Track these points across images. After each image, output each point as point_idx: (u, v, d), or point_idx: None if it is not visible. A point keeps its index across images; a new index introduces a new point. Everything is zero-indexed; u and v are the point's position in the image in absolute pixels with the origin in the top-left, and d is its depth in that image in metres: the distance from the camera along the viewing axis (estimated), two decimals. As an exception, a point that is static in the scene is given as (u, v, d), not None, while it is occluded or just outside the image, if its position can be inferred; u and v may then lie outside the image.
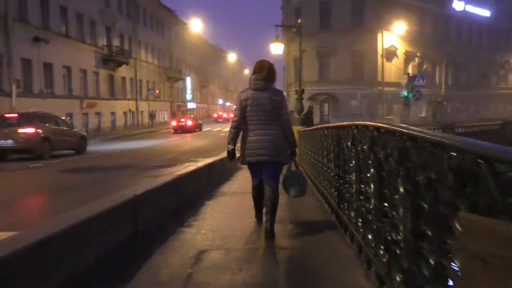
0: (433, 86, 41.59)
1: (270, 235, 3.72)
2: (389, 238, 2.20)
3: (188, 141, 23.58)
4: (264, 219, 3.91)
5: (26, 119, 13.74)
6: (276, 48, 13.39)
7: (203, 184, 6.89)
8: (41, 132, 13.48)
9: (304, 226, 4.41)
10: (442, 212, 1.49)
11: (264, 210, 4.00)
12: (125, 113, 35.31)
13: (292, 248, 3.65)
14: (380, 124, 2.41)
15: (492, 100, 50.18)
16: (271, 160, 3.77)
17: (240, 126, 3.89)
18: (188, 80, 55.64)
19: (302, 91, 11.94)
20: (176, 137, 26.66)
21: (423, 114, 41.66)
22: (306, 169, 9.48)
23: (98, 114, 30.27)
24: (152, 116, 42.13)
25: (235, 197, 6.38)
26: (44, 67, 23.53)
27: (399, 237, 2.00)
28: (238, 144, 4.14)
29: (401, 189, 1.94)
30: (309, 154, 8.60)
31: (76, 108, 26.85)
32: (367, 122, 2.75)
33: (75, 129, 17.33)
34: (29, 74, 22.28)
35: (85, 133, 17.78)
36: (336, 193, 4.21)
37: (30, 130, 13.20)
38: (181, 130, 30.97)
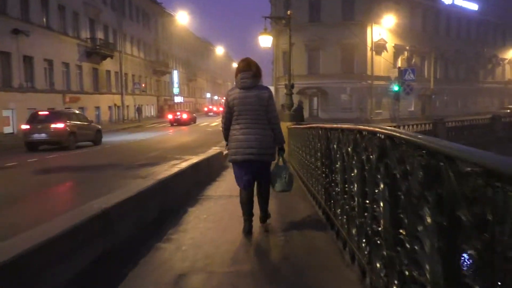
0: (422, 80, 41.42)
1: (264, 226, 4.03)
2: (369, 231, 2.36)
3: (174, 136, 22.98)
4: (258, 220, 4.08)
5: (56, 116, 16.33)
6: (265, 41, 12.86)
7: (188, 187, 6.39)
8: (68, 127, 15.76)
9: (299, 237, 3.98)
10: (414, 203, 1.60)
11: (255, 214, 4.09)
12: (110, 107, 34.45)
13: (285, 264, 3.20)
14: (362, 127, 2.62)
15: (480, 94, 50.38)
16: (260, 158, 3.78)
17: (230, 125, 3.90)
18: (175, 74, 54.76)
19: (292, 86, 11.46)
20: (162, 132, 26.01)
21: (412, 108, 41.58)
22: (296, 167, 9.09)
23: (81, 109, 29.25)
24: (139, 110, 41.24)
25: (221, 201, 5.89)
26: (24, 60, 22.64)
27: (379, 228, 2.14)
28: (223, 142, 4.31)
29: (381, 185, 2.08)
30: (299, 152, 8.00)
31: (58, 102, 25.98)
32: (353, 126, 2.84)
33: (92, 124, 19.16)
34: (8, 68, 21.40)
35: (100, 127, 19.47)
36: (323, 190, 4.27)
37: (60, 125, 15.46)
38: (177, 123, 32.84)
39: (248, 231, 3.89)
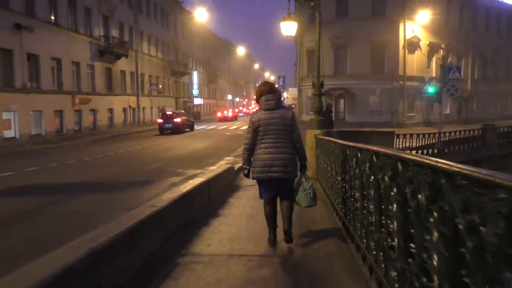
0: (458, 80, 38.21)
1: (288, 239, 4.03)
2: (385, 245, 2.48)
3: (186, 142, 20.88)
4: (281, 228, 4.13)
5: (176, 114, 28.45)
6: (288, 28, 10.53)
7: (167, 234, 4.20)
8: (182, 121, 27.55)
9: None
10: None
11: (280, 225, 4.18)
12: (124, 109, 32.79)
13: None
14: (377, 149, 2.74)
15: (521, 96, 46.62)
16: (284, 176, 3.96)
17: (253, 147, 4.04)
18: (195, 75, 53.00)
19: (321, 84, 9.18)
20: (175, 138, 23.98)
21: (448, 111, 38.39)
22: (322, 183, 7.03)
23: (93, 111, 27.78)
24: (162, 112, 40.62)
25: (213, 269, 3.59)
26: (28, 59, 21.02)
27: (393, 243, 2.29)
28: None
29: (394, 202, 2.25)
30: (325, 166, 6.86)
31: (67, 104, 24.38)
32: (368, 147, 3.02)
33: (191, 119, 31.43)
34: (10, 66, 19.79)
35: (193, 120, 31.94)
36: (343, 204, 4.47)
37: (178, 120, 27.18)
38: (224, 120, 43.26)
39: (273, 241, 4.06)
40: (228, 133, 26.61)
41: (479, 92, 41.05)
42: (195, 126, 31.14)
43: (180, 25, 48.59)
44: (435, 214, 1.64)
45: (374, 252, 2.83)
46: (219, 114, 46.29)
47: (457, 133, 17.51)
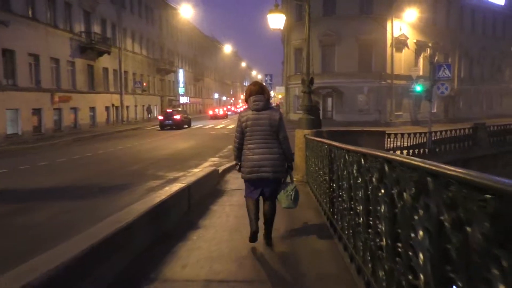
0: (445, 79, 38.20)
1: (267, 241, 4.13)
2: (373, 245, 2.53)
3: (170, 141, 20.15)
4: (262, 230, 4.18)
5: (176, 112, 30.31)
6: (275, 21, 9.91)
7: (139, 251, 3.59)
8: (181, 118, 29.51)
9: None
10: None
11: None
12: (107, 108, 31.81)
13: None
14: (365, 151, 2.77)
15: (506, 95, 46.91)
16: (272, 176, 4.03)
17: (242, 145, 4.13)
18: (181, 73, 52.10)
19: (311, 81, 8.62)
20: (159, 137, 23.22)
21: (435, 110, 38.24)
22: (315, 191, 6.46)
23: (74, 109, 26.80)
24: (149, 110, 40.64)
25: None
26: (4, 54, 20.06)
27: (381, 243, 2.30)
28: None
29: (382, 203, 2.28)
30: (319, 172, 6.12)
31: (46, 102, 23.41)
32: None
33: (189, 116, 33.03)
34: (-17, 63, 18.83)
35: (190, 117, 33.46)
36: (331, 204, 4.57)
37: (177, 117, 29.35)
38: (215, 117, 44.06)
39: (254, 231, 4.01)
40: (214, 132, 25.96)
41: (465, 91, 41.15)
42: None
43: (165, 22, 47.64)
44: (420, 212, 1.69)
45: (362, 253, 2.89)
46: (210, 112, 48.62)
47: (448, 132, 17.17)
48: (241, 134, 4.08)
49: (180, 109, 34.87)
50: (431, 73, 18.20)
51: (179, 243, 4.22)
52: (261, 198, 4.18)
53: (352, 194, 3.19)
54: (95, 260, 2.98)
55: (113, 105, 32.60)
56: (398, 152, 14.32)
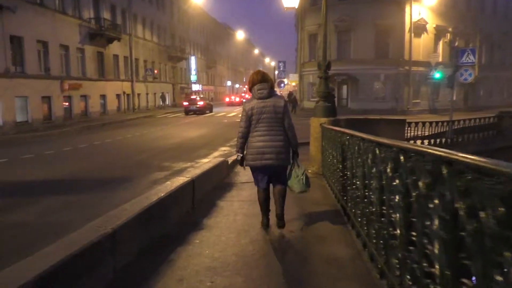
0: (465, 66, 36.79)
1: (280, 223, 4.17)
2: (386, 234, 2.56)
3: (182, 129, 19.61)
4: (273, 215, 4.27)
5: (199, 98, 33.75)
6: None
7: (128, 260, 3.03)
8: (204, 104, 32.49)
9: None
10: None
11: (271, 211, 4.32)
12: (118, 95, 31.44)
13: None
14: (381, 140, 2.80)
15: (529, 82, 45.18)
16: (276, 163, 4.05)
17: (247, 135, 4.13)
18: (193, 60, 51.43)
19: (328, 66, 7.92)
20: (170, 125, 22.72)
21: (454, 98, 37.00)
22: (332, 185, 5.85)
23: (84, 97, 26.46)
24: (163, 98, 40.66)
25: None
26: (11, 41, 19.66)
27: (395, 232, 2.33)
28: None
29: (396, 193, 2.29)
30: (337, 165, 5.50)
31: (55, 90, 23.06)
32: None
33: (210, 102, 37.15)
34: (-10, 49, 18.46)
35: (212, 104, 36.94)
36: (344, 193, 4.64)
37: (201, 103, 32.25)
38: (231, 104, 45.56)
39: (266, 224, 4.23)
40: (226, 121, 25.37)
41: (485, 78, 39.62)
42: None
43: (176, 8, 46.88)
44: (435, 200, 1.70)
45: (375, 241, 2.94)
46: (227, 99, 51.84)
47: (471, 121, 16.29)
48: (247, 123, 4.09)
49: (202, 96, 39.79)
50: (453, 58, 17.25)
51: (178, 247, 3.66)
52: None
53: (366, 182, 3.23)
54: (68, 277, 2.43)
55: (124, 92, 32.20)
56: (418, 142, 13.54)
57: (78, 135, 18.25)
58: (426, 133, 15.14)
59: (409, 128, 12.70)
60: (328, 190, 6.45)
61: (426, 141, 14.01)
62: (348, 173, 4.22)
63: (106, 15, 29.39)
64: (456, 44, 36.28)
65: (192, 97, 34.63)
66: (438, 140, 14.60)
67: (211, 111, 33.58)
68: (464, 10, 36.32)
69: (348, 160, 4.15)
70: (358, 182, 3.57)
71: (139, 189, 6.39)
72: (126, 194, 5.87)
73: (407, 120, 12.49)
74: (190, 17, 52.54)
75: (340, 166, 4.84)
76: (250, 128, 4.09)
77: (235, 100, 49.93)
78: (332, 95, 10.74)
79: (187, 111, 31.31)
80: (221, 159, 7.59)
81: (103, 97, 29.05)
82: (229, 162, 8.12)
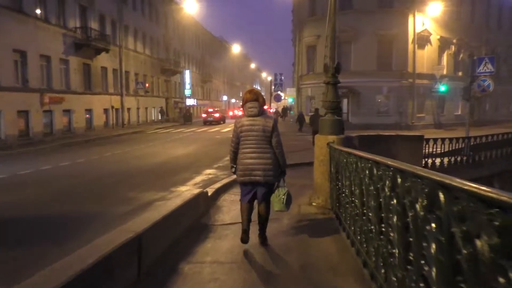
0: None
1: (262, 240, 4.38)
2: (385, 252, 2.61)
3: (168, 147, 17.73)
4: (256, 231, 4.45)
5: (215, 110, 39.94)
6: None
7: None
8: (219, 116, 38.44)
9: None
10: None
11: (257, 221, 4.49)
12: (106, 110, 29.66)
13: None
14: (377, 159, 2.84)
15: (535, 96, 43.71)
16: (263, 180, 4.17)
17: (237, 149, 4.31)
18: (187, 74, 49.87)
19: (338, 68, 6.15)
20: (158, 141, 20.87)
21: (459, 112, 35.51)
22: (349, 231, 4.48)
23: (68, 111, 24.67)
24: (162, 112, 39.67)
25: None
26: (-17, 50, 17.98)
27: (394, 251, 2.39)
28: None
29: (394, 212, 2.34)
30: (351, 198, 4.33)
31: (34, 103, 21.28)
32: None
33: (224, 114, 42.75)
34: (-42, 58, 16.73)
35: (224, 116, 41.91)
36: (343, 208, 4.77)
37: (217, 115, 38.29)
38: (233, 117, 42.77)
39: (245, 240, 4.15)
40: (219, 137, 23.58)
41: (492, 91, 38.07)
42: (193, 129, 29.69)
43: (171, 21, 45.53)
44: (432, 224, 1.72)
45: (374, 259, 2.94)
46: (230, 113, 52.75)
47: (489, 137, 14.54)
48: (237, 139, 4.27)
49: (217, 109, 43.96)
50: (469, 69, 15.59)
51: None
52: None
53: (364, 200, 3.29)
54: None
55: (112, 107, 30.42)
56: (437, 160, 11.76)
57: (54, 153, 16.40)
58: (439, 150, 13.41)
59: (427, 145, 10.96)
60: (343, 238, 4.60)
61: (445, 159, 12.24)
62: (374, 218, 3.00)
63: (94, 25, 27.83)
64: (461, 56, 34.87)
65: (209, 110, 40.95)
66: (453, 158, 12.84)
67: (224, 122, 38.55)
68: (469, 22, 35.03)
69: (372, 198, 3.01)
70: (393, 236, 2.46)
71: (73, 245, 4.51)
72: (46, 258, 3.99)
73: (426, 137, 10.74)
74: (185, 30, 51.23)
75: (359, 204, 3.70)
76: (239, 144, 4.25)
77: (238, 115, 48.33)
78: (339, 108, 8.97)
79: (205, 122, 37.25)
80: (198, 191, 5.73)
81: (89, 111, 27.28)
82: (210, 194, 6.29)
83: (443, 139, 11.42)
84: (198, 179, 8.86)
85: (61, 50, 24.10)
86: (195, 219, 5.17)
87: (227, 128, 31.07)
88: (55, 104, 22.99)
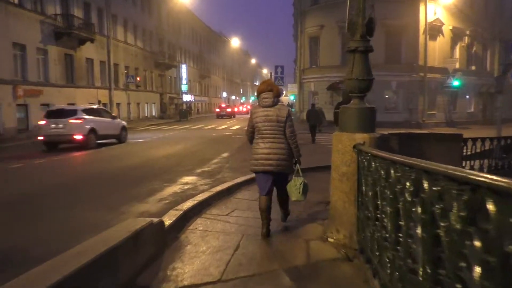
0: (483, 73, 33.04)
1: (284, 217, 4.63)
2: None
3: (154, 145, 15.47)
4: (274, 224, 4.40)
5: (227, 106, 48.54)
6: None
7: None
8: (231, 110, 44.98)
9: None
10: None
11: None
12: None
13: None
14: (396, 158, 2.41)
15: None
16: (276, 170, 4.15)
17: (253, 134, 4.33)
18: (184, 68, 47.52)
19: (371, 26, 3.94)
20: (144, 139, 18.60)
21: (472, 109, 33.23)
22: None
23: (46, 106, 22.35)
24: (163, 109, 39.21)
25: None
26: None
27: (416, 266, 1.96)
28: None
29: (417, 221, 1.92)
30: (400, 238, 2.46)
31: (6, 96, 19.08)
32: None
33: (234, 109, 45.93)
34: None
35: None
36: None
37: (229, 110, 44.67)
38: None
39: (266, 234, 4.19)
40: (214, 134, 21.35)
41: (505, 87, 35.78)
42: (187, 126, 27.25)
43: (165, 12, 43.17)
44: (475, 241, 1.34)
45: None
46: (235, 109, 51.40)
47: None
48: (252, 128, 4.28)
49: (229, 104, 48.42)
50: (502, 56, 13.36)
51: None
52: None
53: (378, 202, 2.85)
54: None
55: (99, 101, 28.08)
56: (477, 163, 9.50)
57: (19, 151, 14.18)
58: (467, 152, 11.19)
59: (465, 147, 8.72)
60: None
61: (468, 162, 9.97)
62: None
63: (77, 12, 25.55)
64: (474, 49, 32.57)
65: (222, 105, 45.86)
66: (485, 161, 10.59)
67: (234, 116, 42.93)
68: (482, 11, 32.56)
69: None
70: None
71: None
72: None
73: (464, 136, 8.53)
74: (181, 22, 48.86)
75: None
76: (254, 133, 4.27)
77: (226, 110, 46.10)
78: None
79: (218, 115, 41.78)
80: (144, 223, 3.42)
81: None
82: (171, 222, 4.05)
83: (483, 139, 9.16)
84: (169, 191, 6.59)
85: (38, 39, 21.82)
86: (128, 279, 2.92)
87: (225, 125, 28.87)
88: (31, 97, 20.81)
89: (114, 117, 17.18)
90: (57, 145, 14.32)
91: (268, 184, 4.18)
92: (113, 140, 16.17)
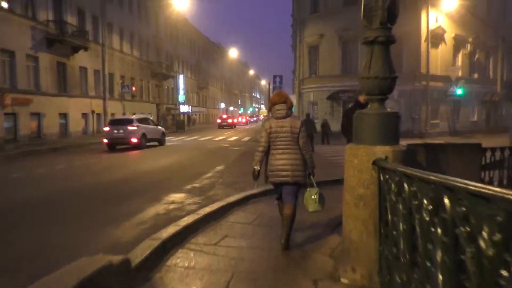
0: (486, 81, 32.39)
1: (285, 246, 4.12)
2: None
3: (144, 158, 14.62)
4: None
5: (229, 116, 51.02)
6: None
7: None
8: (233, 121, 47.84)
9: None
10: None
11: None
12: (85, 115, 26.60)
13: None
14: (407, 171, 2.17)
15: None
16: (292, 180, 4.17)
17: (266, 150, 4.26)
18: (181, 79, 46.80)
19: (393, 12, 3.19)
20: (132, 151, 17.72)
21: (475, 118, 32.44)
22: None
23: (36, 115, 21.61)
24: (163, 119, 38.83)
25: None
26: None
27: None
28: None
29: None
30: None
31: (-8, 105, 18.26)
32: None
33: (234, 120, 49.33)
34: None
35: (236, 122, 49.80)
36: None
37: (230, 120, 47.13)
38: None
39: (286, 246, 4.11)
40: (210, 146, 20.53)
41: (508, 94, 35.14)
42: (183, 137, 26.83)
43: (163, 22, 42.61)
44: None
45: None
46: (229, 120, 50.97)
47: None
48: (267, 139, 4.22)
49: (231, 115, 49.61)
50: (504, 61, 12.62)
51: None
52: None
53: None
54: None
55: (93, 111, 27.32)
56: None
57: (5, 164, 13.30)
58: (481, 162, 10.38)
59: (484, 157, 7.92)
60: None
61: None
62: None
63: (71, 19, 24.86)
64: (477, 57, 31.94)
65: (223, 116, 48.33)
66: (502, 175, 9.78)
67: (235, 127, 45.53)
68: (485, 18, 31.93)
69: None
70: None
71: None
72: None
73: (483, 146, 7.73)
74: (179, 33, 48.31)
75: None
76: (269, 144, 4.22)
77: (227, 121, 48.39)
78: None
79: (220, 126, 44.09)
80: (90, 271, 2.57)
81: (64, 116, 24.21)
82: (141, 259, 3.20)
83: (502, 148, 8.35)
84: (151, 212, 5.72)
85: (29, 45, 21.09)
86: None
87: (222, 136, 28.07)
88: (20, 106, 20.01)
89: (156, 125, 21.28)
90: (115, 146, 17.76)
91: (290, 195, 4.18)
92: (155, 143, 19.80)
